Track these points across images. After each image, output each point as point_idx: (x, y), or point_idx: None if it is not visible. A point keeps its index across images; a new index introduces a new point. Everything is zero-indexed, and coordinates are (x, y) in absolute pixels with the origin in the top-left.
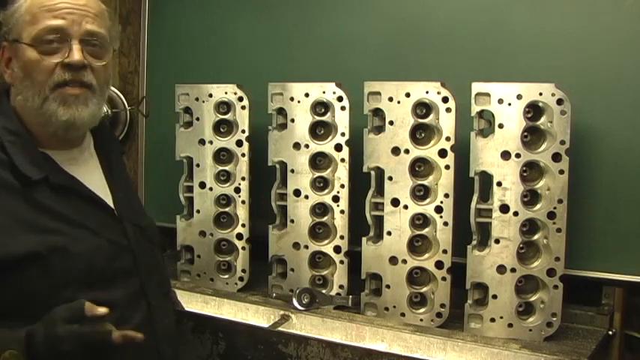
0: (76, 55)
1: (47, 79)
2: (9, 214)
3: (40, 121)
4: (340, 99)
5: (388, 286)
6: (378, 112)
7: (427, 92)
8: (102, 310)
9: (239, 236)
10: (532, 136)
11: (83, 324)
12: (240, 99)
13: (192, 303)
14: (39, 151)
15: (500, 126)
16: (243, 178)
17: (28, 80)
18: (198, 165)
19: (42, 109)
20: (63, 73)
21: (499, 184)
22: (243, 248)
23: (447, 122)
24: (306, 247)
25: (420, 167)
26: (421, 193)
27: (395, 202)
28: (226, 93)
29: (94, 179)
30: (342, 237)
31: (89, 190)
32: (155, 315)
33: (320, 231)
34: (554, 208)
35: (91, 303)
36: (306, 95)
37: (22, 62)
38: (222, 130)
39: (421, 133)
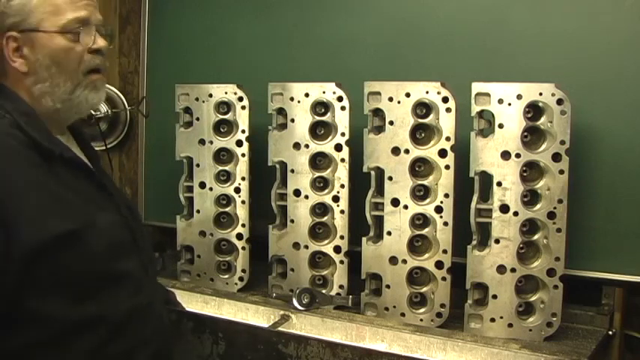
0: (102, 42)
1: (78, 65)
2: (45, 192)
3: (63, 106)
4: (340, 99)
5: (388, 286)
6: (378, 112)
7: (427, 92)
8: None
9: (239, 236)
10: (532, 136)
11: None
12: (240, 99)
13: (192, 303)
14: (48, 129)
15: (500, 126)
16: (243, 178)
17: (57, 67)
18: (198, 165)
19: (73, 94)
20: (93, 58)
21: (499, 184)
22: (243, 248)
23: (447, 122)
24: (306, 247)
25: (420, 167)
26: (421, 193)
27: (395, 202)
28: (226, 93)
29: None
30: (342, 237)
31: (90, 168)
32: (154, 285)
33: (320, 231)
34: (554, 208)
35: None
36: (306, 95)
37: (49, 50)
38: (222, 130)
39: (421, 133)
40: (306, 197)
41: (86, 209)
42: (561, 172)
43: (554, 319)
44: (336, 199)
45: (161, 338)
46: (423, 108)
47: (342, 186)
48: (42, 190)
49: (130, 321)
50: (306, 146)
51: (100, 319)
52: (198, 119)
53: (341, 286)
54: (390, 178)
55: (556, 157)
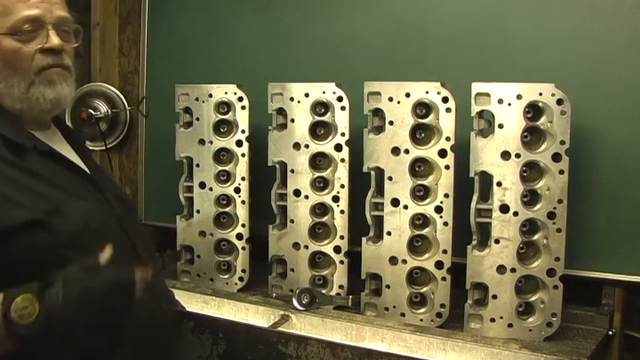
0: (55, 40)
1: (30, 65)
2: (10, 183)
3: (23, 106)
4: (340, 99)
5: (388, 286)
6: (378, 112)
7: (427, 92)
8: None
9: (239, 236)
10: (532, 136)
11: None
12: (240, 99)
13: (192, 303)
14: (22, 125)
15: (500, 126)
16: (243, 178)
17: (9, 68)
18: (198, 165)
19: (28, 93)
20: (45, 58)
21: (499, 184)
22: (243, 248)
23: (447, 122)
24: (306, 247)
25: (420, 167)
26: (421, 193)
27: (395, 202)
28: (226, 93)
29: (70, 156)
30: (342, 237)
31: (71, 160)
32: (153, 280)
33: (320, 231)
34: (554, 208)
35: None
36: (306, 95)
37: (0, 52)
38: (222, 130)
39: (421, 133)
40: (306, 197)
41: (55, 198)
42: (561, 172)
43: (554, 319)
44: (336, 199)
45: (155, 332)
46: (423, 108)
47: (342, 186)
48: (4, 182)
49: None
50: (306, 146)
51: None
52: (198, 119)
53: (341, 286)
54: (390, 178)
55: (556, 157)
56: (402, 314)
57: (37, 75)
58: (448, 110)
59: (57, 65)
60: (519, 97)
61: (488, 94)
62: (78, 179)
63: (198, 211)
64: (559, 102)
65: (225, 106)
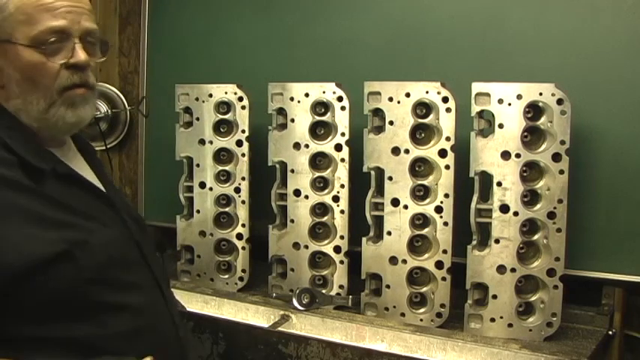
0: (82, 55)
1: (53, 82)
2: (30, 215)
3: (40, 125)
4: (340, 99)
5: (388, 286)
6: (378, 112)
7: (427, 92)
8: None
9: (239, 236)
10: (532, 136)
11: None
12: (240, 99)
13: (192, 303)
14: (39, 144)
15: (500, 126)
16: (243, 178)
17: (29, 83)
18: (198, 165)
19: (48, 113)
20: (71, 76)
21: (499, 184)
22: (243, 248)
23: (447, 122)
24: (306, 247)
25: (420, 167)
26: (421, 193)
27: (395, 202)
28: (226, 93)
29: (86, 175)
30: (342, 237)
31: (90, 182)
32: (169, 302)
33: (320, 231)
34: (554, 208)
35: None
36: (306, 95)
37: (21, 64)
38: (222, 130)
39: (421, 133)
40: (306, 197)
41: (80, 227)
42: (561, 172)
43: (554, 319)
44: (336, 199)
45: (175, 354)
46: (423, 108)
47: (342, 186)
48: (25, 215)
49: (140, 335)
50: (306, 146)
51: (102, 339)
52: (198, 119)
53: (341, 286)
54: (390, 178)
55: (556, 157)
56: (402, 314)
57: (60, 95)
58: (448, 110)
59: (82, 85)
60: (519, 97)
61: (488, 94)
62: (97, 203)
63: (198, 211)
64: (559, 102)
65: (225, 106)
